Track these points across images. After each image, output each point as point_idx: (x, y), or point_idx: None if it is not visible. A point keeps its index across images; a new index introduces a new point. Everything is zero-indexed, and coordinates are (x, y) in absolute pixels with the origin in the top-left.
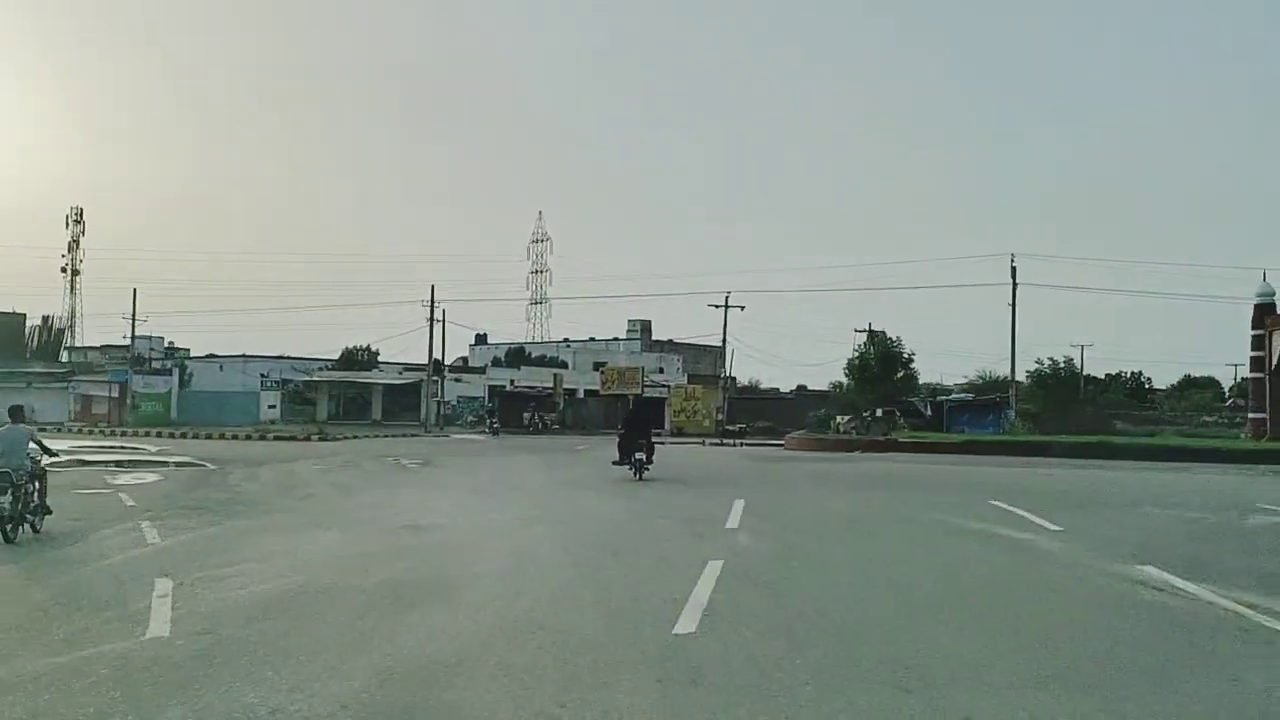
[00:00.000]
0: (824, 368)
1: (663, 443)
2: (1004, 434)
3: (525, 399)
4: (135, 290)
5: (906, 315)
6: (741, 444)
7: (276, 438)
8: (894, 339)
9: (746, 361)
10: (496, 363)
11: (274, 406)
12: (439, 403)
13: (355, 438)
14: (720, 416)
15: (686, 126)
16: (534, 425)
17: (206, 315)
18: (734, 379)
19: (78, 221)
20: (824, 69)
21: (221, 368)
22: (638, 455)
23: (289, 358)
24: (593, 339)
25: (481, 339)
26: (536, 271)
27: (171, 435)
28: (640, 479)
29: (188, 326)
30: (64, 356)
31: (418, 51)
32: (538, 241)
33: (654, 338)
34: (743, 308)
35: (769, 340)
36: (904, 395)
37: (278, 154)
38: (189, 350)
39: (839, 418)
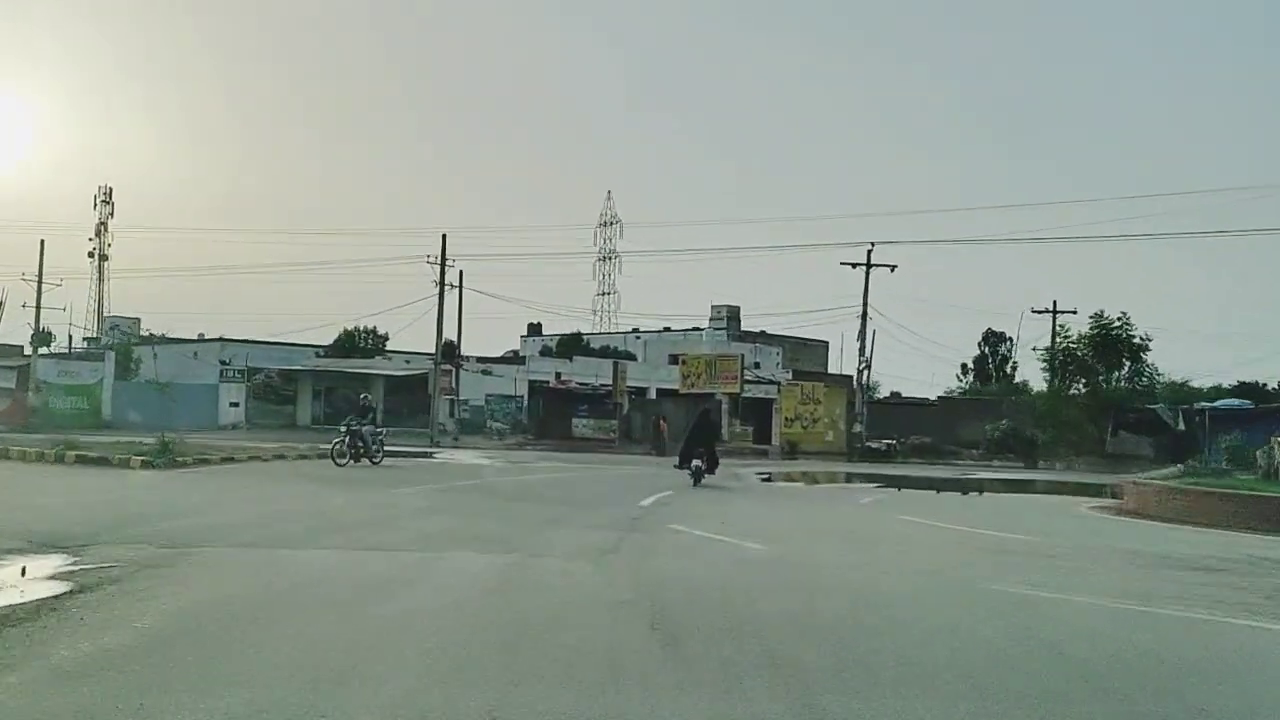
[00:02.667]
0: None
1: (767, 477)
2: None
3: (575, 398)
4: (43, 242)
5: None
6: (927, 482)
7: (81, 458)
8: (1117, 318)
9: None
10: (546, 353)
11: (236, 404)
12: (453, 402)
13: (295, 457)
14: (859, 427)
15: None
16: (652, 440)
17: (221, 298)
18: (865, 376)
19: (106, 202)
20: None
21: (196, 354)
22: (696, 462)
23: (271, 343)
24: (668, 329)
25: (535, 329)
26: (604, 258)
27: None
28: (697, 485)
29: (196, 312)
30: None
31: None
32: (606, 224)
33: (743, 327)
34: (893, 267)
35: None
36: (1137, 400)
37: (314, 149)
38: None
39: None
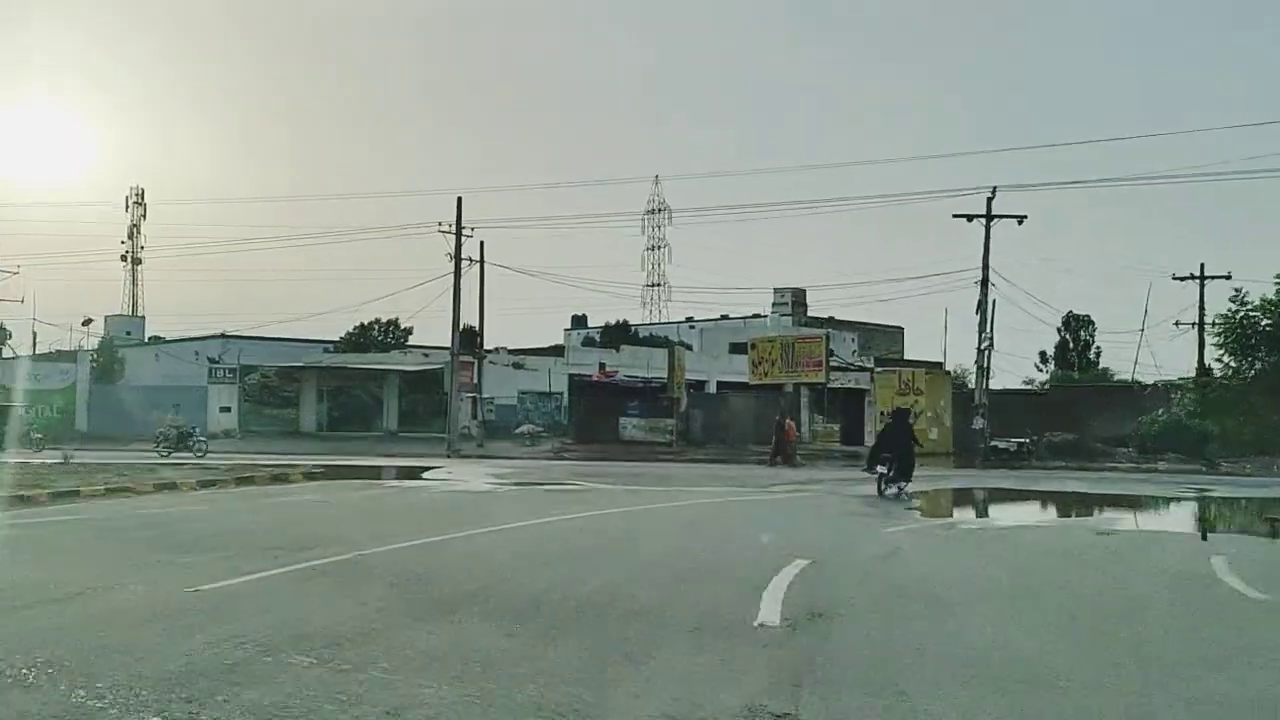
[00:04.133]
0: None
1: (922, 506)
2: None
3: (622, 393)
4: None
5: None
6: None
7: None
8: None
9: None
10: (589, 343)
11: (228, 409)
12: (476, 401)
13: (192, 486)
14: (980, 422)
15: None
16: (774, 447)
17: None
18: (986, 357)
19: (139, 203)
20: None
21: (197, 354)
22: (881, 468)
23: (277, 338)
24: (725, 316)
25: (580, 321)
26: (653, 248)
27: None
28: (885, 495)
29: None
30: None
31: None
32: (653, 212)
33: (809, 313)
34: (1021, 219)
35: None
36: None
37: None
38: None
39: None
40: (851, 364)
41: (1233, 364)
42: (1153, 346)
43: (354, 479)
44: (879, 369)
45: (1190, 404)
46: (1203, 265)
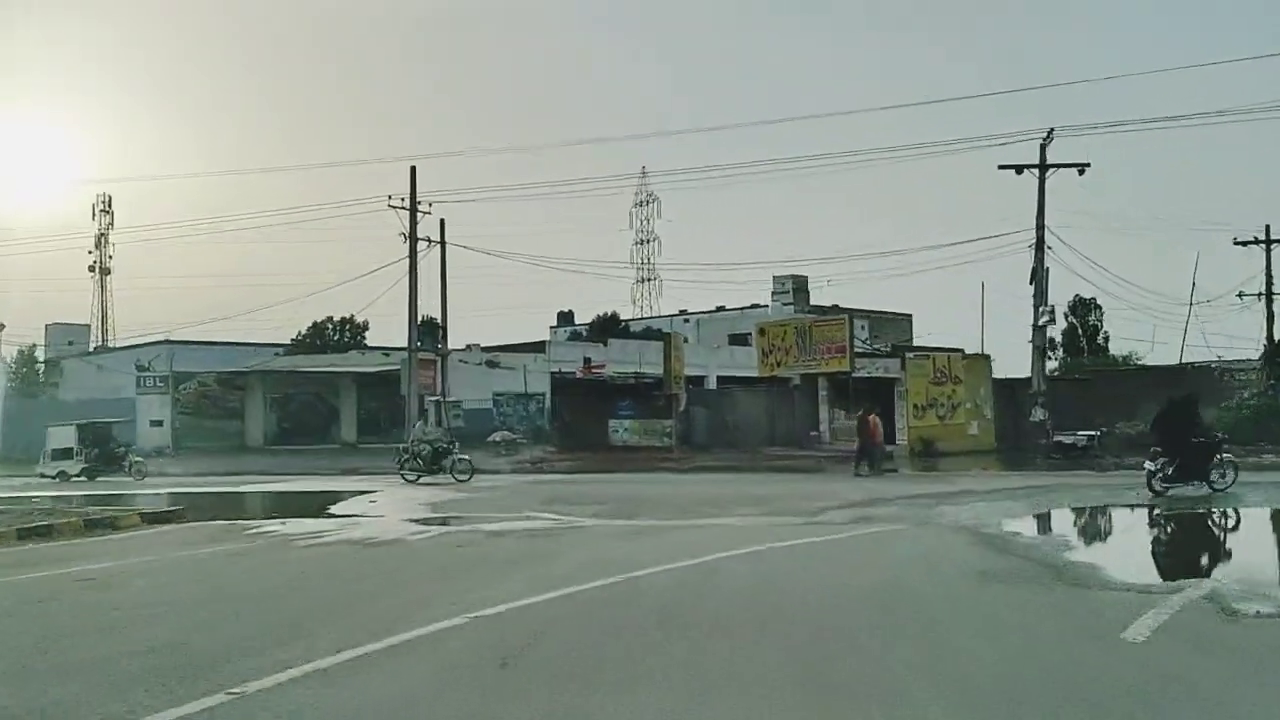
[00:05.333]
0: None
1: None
2: None
3: (611, 392)
4: None
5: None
6: None
7: None
8: None
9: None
10: (575, 338)
11: (159, 422)
12: (439, 404)
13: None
14: (1040, 414)
15: None
16: (860, 447)
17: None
18: (1044, 336)
19: (106, 211)
20: None
21: (138, 363)
22: (1149, 465)
23: (226, 343)
24: (722, 308)
25: (566, 318)
26: (642, 241)
27: None
28: (1162, 495)
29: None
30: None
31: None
32: (642, 204)
33: (812, 301)
34: (1083, 168)
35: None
36: None
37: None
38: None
39: None
40: (878, 349)
41: None
42: (1203, 322)
43: (227, 518)
44: (910, 355)
45: (1258, 385)
46: (1268, 227)
